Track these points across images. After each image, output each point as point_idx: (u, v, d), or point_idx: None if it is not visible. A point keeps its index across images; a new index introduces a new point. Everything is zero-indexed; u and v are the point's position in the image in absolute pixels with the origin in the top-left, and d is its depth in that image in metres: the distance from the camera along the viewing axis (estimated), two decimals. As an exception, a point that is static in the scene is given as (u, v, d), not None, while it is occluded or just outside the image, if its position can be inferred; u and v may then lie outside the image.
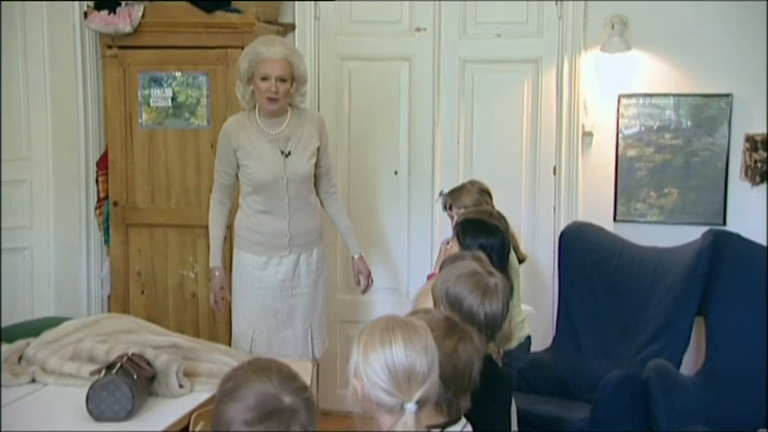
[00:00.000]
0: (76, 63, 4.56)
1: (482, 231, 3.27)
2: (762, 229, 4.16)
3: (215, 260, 3.87)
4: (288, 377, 1.62)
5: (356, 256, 4.05)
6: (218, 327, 4.44)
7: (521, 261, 3.65)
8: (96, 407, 2.64)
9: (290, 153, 3.73)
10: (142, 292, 4.51)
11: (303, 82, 3.76)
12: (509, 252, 3.35)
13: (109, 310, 4.66)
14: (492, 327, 2.23)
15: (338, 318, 4.71)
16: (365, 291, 4.11)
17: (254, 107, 3.78)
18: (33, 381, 3.03)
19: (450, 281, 2.29)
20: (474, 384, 1.93)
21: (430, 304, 2.41)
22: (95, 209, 4.66)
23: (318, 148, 3.81)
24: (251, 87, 3.71)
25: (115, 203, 4.50)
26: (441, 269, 2.93)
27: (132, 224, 4.50)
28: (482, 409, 1.96)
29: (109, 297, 4.67)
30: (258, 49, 3.68)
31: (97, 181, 4.64)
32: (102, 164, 4.60)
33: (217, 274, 3.87)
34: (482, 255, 2.90)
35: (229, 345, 4.00)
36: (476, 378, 1.94)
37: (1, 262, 4.15)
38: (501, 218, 3.37)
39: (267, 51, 3.65)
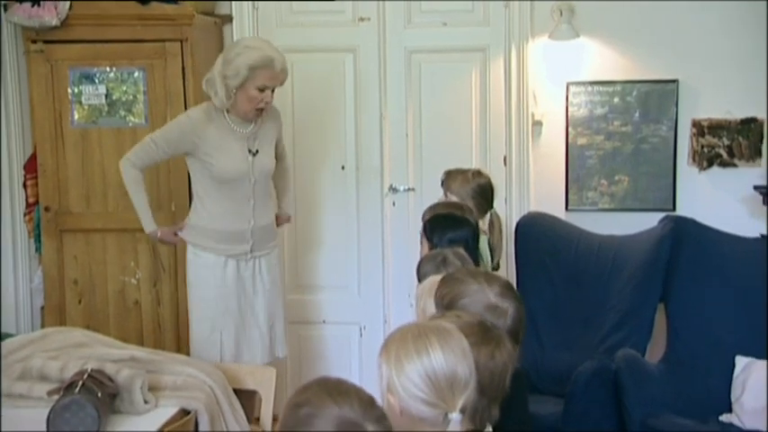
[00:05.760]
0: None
1: (449, 226, 3.19)
2: (709, 213, 4.17)
3: (149, 224, 3.62)
4: (368, 402, 1.46)
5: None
6: (164, 334, 4.22)
7: (495, 269, 3.56)
8: (59, 430, 2.42)
9: (257, 151, 3.57)
10: (80, 302, 4.25)
11: None
12: (478, 242, 3.26)
13: (42, 322, 4.38)
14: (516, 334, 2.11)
15: (286, 319, 4.53)
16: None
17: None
18: (-23, 404, 2.78)
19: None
20: (504, 391, 1.82)
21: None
22: (24, 215, 4.36)
23: (277, 138, 3.73)
24: (234, 90, 3.42)
25: (47, 209, 4.21)
26: (419, 269, 2.82)
27: (66, 230, 4.23)
28: (503, 412, 1.84)
29: (42, 308, 4.39)
30: (269, 55, 3.40)
31: (25, 185, 4.33)
32: (31, 167, 4.30)
33: (159, 232, 3.63)
34: (461, 251, 2.81)
35: (178, 352, 3.82)
36: (507, 385, 1.82)
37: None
38: (471, 212, 3.28)
39: (278, 61, 3.40)
